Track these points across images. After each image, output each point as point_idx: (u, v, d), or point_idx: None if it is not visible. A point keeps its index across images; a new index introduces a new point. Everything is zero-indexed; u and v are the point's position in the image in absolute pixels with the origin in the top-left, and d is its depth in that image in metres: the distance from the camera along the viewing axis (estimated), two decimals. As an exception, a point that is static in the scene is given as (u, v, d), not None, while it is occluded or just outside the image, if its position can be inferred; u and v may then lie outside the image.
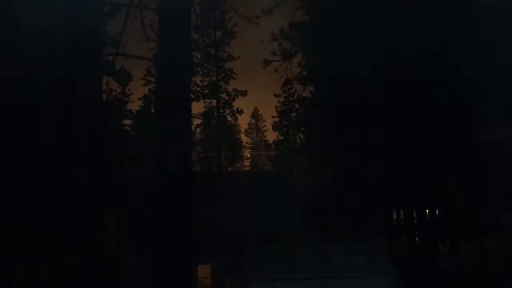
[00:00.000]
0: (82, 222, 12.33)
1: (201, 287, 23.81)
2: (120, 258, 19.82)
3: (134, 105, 36.12)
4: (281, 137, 43.56)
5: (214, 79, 36.60)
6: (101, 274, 13.05)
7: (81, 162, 12.60)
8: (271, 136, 49.29)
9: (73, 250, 11.87)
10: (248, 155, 51.31)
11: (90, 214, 12.84)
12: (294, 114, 41.09)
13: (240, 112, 38.01)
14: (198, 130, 37.77)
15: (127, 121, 33.93)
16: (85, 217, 12.58)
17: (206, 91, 36.63)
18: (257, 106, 52.44)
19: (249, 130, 52.60)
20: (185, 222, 11.77)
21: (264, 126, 52.20)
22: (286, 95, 41.50)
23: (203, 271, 23.87)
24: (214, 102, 36.95)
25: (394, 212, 23.93)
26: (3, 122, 11.78)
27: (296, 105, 38.46)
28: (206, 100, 36.82)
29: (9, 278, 11.40)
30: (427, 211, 22.35)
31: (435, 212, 22.48)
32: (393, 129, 20.02)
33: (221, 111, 37.04)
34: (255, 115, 52.55)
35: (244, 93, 37.35)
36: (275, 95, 42.25)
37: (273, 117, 44.14)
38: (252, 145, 52.70)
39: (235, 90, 37.08)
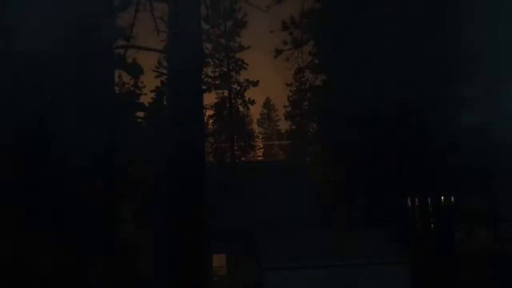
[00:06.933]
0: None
1: (217, 276, 23.98)
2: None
3: (147, 98, 36.18)
4: (294, 127, 43.47)
5: (225, 69, 36.56)
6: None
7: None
8: (284, 125, 49.28)
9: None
10: (261, 145, 51.34)
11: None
12: (306, 103, 40.92)
13: (252, 102, 38.02)
14: (210, 121, 37.84)
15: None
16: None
17: (217, 82, 36.61)
18: (269, 96, 52.41)
19: (261, 120, 52.55)
20: (199, 212, 11.88)
21: (277, 115, 52.12)
22: (298, 84, 41.30)
23: (218, 260, 24.04)
24: (226, 92, 36.97)
25: (409, 200, 23.78)
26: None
27: (308, 94, 38.27)
28: (217, 91, 36.87)
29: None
30: (442, 198, 22.16)
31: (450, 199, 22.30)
32: (407, 119, 19.77)
33: (233, 101, 37.04)
34: (267, 105, 52.45)
35: (255, 83, 37.30)
36: (287, 84, 42.14)
37: (285, 106, 44.10)
38: (264, 135, 52.68)
39: (247, 80, 37.05)
